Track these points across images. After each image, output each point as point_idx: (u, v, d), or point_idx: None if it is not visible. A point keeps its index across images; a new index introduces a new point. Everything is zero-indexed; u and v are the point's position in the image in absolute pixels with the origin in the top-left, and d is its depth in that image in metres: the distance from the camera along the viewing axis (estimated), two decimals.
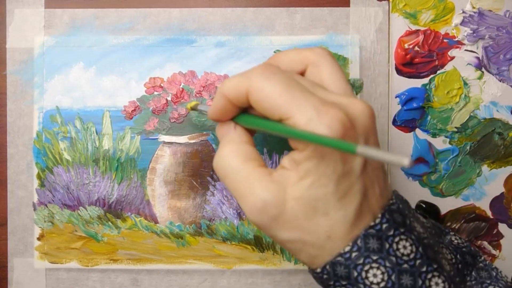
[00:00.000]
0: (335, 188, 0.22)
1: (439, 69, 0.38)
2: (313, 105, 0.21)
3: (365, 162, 0.22)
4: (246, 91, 0.23)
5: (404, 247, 0.22)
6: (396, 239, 0.22)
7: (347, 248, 0.22)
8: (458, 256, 0.29)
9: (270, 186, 0.22)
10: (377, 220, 0.23)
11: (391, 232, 0.22)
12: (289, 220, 0.22)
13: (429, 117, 0.38)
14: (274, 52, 0.37)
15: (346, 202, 0.22)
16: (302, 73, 0.26)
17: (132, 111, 0.38)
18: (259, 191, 0.22)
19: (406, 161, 0.17)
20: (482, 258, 0.30)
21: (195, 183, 0.38)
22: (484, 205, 0.39)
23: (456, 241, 0.30)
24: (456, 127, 0.38)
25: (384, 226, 0.23)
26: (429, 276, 0.23)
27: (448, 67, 0.38)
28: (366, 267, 0.22)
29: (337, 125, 0.21)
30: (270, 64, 0.24)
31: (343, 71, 0.25)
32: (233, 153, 0.24)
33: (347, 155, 0.22)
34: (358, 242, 0.22)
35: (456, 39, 0.38)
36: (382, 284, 0.22)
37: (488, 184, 0.38)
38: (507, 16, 0.37)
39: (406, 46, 0.38)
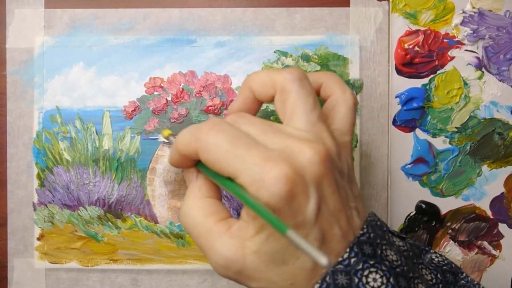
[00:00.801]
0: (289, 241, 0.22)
1: (439, 69, 0.38)
2: (256, 163, 0.21)
3: (319, 209, 0.22)
4: (196, 151, 0.23)
5: (374, 279, 0.22)
6: (366, 272, 0.22)
7: (316, 287, 0.22)
8: (438, 275, 0.28)
9: (229, 242, 0.23)
10: (345, 255, 0.22)
11: (360, 266, 0.22)
12: (252, 273, 0.23)
13: (429, 117, 0.38)
14: (274, 52, 0.37)
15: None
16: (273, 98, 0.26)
17: (132, 111, 0.38)
18: (220, 248, 0.23)
19: (323, 261, 0.18)
20: (464, 275, 0.30)
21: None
22: (484, 205, 0.39)
23: (436, 259, 0.30)
24: (456, 127, 0.38)
25: (353, 260, 0.22)
26: None
27: (448, 67, 0.38)
28: None
29: (280, 183, 0.20)
30: (218, 121, 0.23)
31: (311, 97, 0.24)
32: (194, 208, 0.24)
33: (298, 208, 0.21)
34: (327, 279, 0.22)
35: (456, 39, 0.38)
36: None
37: (488, 184, 0.38)
38: (507, 16, 0.37)
39: (406, 46, 0.38)
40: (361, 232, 0.23)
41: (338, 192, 0.23)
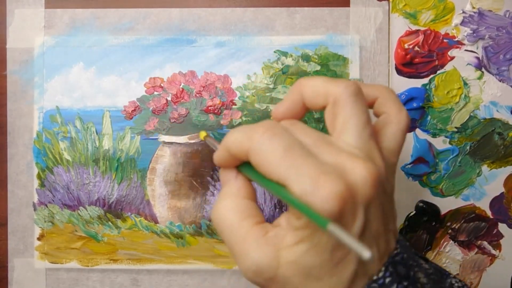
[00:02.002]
0: (329, 257, 0.21)
1: (439, 69, 0.38)
2: (310, 175, 0.20)
3: (363, 230, 0.21)
4: (247, 151, 0.22)
5: None
6: None
7: None
8: None
9: (265, 249, 0.22)
10: (380, 274, 0.22)
11: (394, 287, 0.22)
12: (283, 282, 0.22)
13: (429, 117, 0.38)
14: (274, 52, 0.37)
15: (340, 269, 0.22)
16: (324, 108, 0.25)
17: (132, 111, 0.38)
18: (254, 254, 0.22)
19: (366, 254, 0.18)
20: None
21: (195, 183, 0.38)
22: (484, 205, 0.39)
23: (456, 284, 0.30)
24: (456, 127, 0.38)
25: (387, 280, 0.22)
26: None
27: (448, 67, 0.38)
28: None
29: (333, 200, 0.20)
30: (274, 124, 0.23)
31: (365, 114, 0.23)
32: (231, 209, 0.24)
33: (344, 225, 0.21)
34: None
35: (456, 39, 0.38)
36: None
37: (488, 184, 0.38)
38: (507, 16, 0.37)
39: (406, 46, 0.38)
40: (396, 252, 0.23)
41: (383, 215, 0.22)
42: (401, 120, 0.26)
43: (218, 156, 0.25)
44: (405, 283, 0.22)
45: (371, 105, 0.27)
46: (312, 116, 0.38)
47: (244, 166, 0.25)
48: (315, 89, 0.24)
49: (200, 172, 0.38)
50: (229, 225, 0.23)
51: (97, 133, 0.38)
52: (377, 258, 0.22)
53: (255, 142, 0.22)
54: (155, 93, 0.38)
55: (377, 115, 0.27)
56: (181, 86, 0.38)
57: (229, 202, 0.24)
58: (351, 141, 0.23)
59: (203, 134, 0.30)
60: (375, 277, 0.22)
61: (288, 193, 0.21)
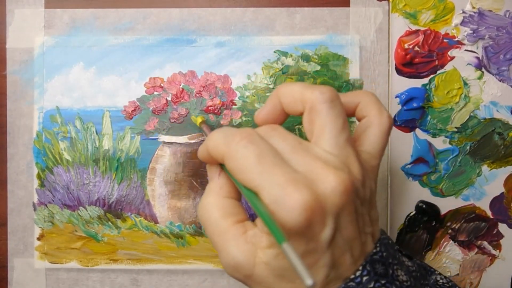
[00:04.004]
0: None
1: (439, 69, 0.38)
2: (280, 183, 0.21)
3: (333, 237, 0.22)
4: (223, 157, 0.23)
5: None
6: None
7: None
8: None
9: (243, 247, 0.23)
10: (358, 273, 0.22)
11: (372, 285, 0.22)
12: (259, 281, 0.23)
13: (429, 117, 0.38)
14: (274, 52, 0.37)
15: (312, 272, 0.22)
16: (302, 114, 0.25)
17: (132, 111, 0.38)
18: (233, 250, 0.23)
19: (309, 282, 0.18)
20: None
21: (195, 183, 0.38)
22: (484, 205, 0.39)
23: (441, 280, 0.30)
24: (456, 127, 0.38)
25: (365, 278, 0.22)
26: None
27: (448, 67, 0.38)
28: None
29: (299, 211, 0.20)
30: (251, 132, 0.23)
31: (340, 119, 0.23)
32: (213, 206, 0.24)
33: (312, 235, 0.21)
34: None
35: (456, 39, 0.38)
36: None
37: (488, 184, 0.38)
38: (507, 16, 0.37)
39: (406, 46, 0.38)
40: (374, 250, 0.23)
41: (356, 221, 0.23)
42: (382, 122, 0.26)
43: (201, 153, 0.26)
44: (383, 281, 0.23)
45: (353, 112, 0.27)
46: None
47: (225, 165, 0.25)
48: (292, 95, 0.25)
49: (200, 172, 0.38)
50: (211, 221, 0.24)
51: (97, 133, 0.38)
52: (350, 262, 0.23)
53: (231, 148, 0.22)
54: (155, 93, 0.38)
55: (359, 120, 0.27)
56: (181, 86, 0.38)
57: (212, 199, 0.25)
58: (327, 147, 0.23)
59: (199, 119, 0.30)
60: (352, 276, 0.22)
61: (258, 201, 0.21)
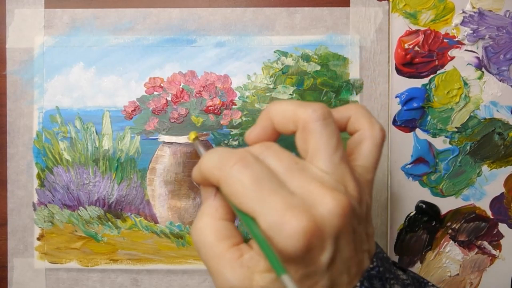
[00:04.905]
0: (298, 286, 0.21)
1: (439, 69, 0.38)
2: (277, 209, 0.20)
3: (333, 258, 0.21)
4: (218, 181, 0.22)
5: None
6: None
7: None
8: None
9: (239, 271, 0.22)
10: None
11: None
12: None
13: (429, 117, 0.38)
14: (274, 52, 0.37)
15: None
16: (294, 133, 0.25)
17: (132, 111, 0.38)
18: (228, 274, 0.22)
19: None
20: None
21: (195, 183, 0.38)
22: (484, 205, 0.39)
23: None
24: (456, 127, 0.38)
25: None
26: None
27: (448, 67, 0.38)
28: None
29: (298, 237, 0.20)
30: (245, 155, 0.22)
31: (334, 137, 0.23)
32: (208, 229, 0.24)
33: (311, 259, 0.21)
34: None
35: (456, 39, 0.38)
36: None
37: (488, 184, 0.38)
38: (507, 16, 0.37)
39: (406, 46, 0.38)
40: (371, 266, 0.23)
41: (354, 241, 0.22)
42: (375, 135, 0.26)
43: (195, 175, 0.25)
44: None
45: (345, 126, 0.27)
46: None
47: None
48: (284, 114, 0.24)
49: None
50: (206, 245, 0.23)
51: (97, 133, 0.38)
52: (346, 282, 0.22)
53: (226, 173, 0.22)
54: (155, 93, 0.38)
55: (351, 134, 0.27)
56: (181, 86, 0.38)
57: (207, 222, 0.24)
58: (322, 166, 0.23)
59: (192, 135, 0.29)
60: None
61: (255, 226, 0.21)
